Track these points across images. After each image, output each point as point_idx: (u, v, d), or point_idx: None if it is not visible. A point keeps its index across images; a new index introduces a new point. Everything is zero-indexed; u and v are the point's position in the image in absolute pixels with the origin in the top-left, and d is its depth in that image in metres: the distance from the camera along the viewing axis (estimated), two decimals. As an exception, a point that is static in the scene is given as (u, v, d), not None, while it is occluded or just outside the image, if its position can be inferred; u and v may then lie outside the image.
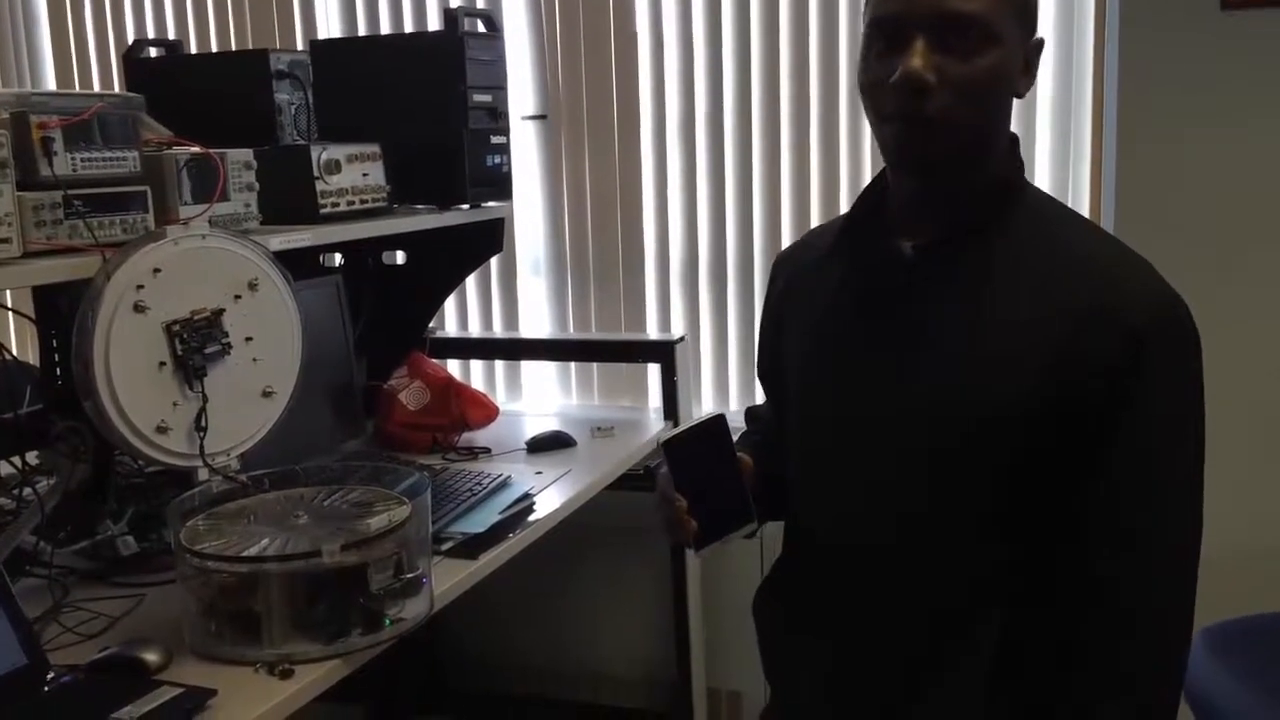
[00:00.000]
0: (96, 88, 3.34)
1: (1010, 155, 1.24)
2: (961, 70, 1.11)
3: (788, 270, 1.43)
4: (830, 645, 1.28)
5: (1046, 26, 2.59)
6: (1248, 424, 2.14)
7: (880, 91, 1.15)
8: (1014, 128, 2.51)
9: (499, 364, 3.04)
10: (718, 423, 1.28)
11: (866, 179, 2.73)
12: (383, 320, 2.59)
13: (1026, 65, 1.18)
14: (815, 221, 2.74)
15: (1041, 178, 2.64)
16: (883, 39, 1.14)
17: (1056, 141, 2.62)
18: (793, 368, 1.36)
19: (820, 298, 1.33)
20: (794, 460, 1.35)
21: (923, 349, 1.20)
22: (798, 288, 1.39)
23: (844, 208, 2.80)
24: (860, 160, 2.72)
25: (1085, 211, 2.50)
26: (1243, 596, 1.98)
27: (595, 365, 2.94)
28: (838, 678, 1.28)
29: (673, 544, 1.30)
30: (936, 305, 1.20)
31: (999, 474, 1.16)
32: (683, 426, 1.29)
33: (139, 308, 1.54)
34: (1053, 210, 1.26)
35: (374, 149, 2.16)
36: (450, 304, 2.97)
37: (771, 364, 1.44)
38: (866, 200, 1.30)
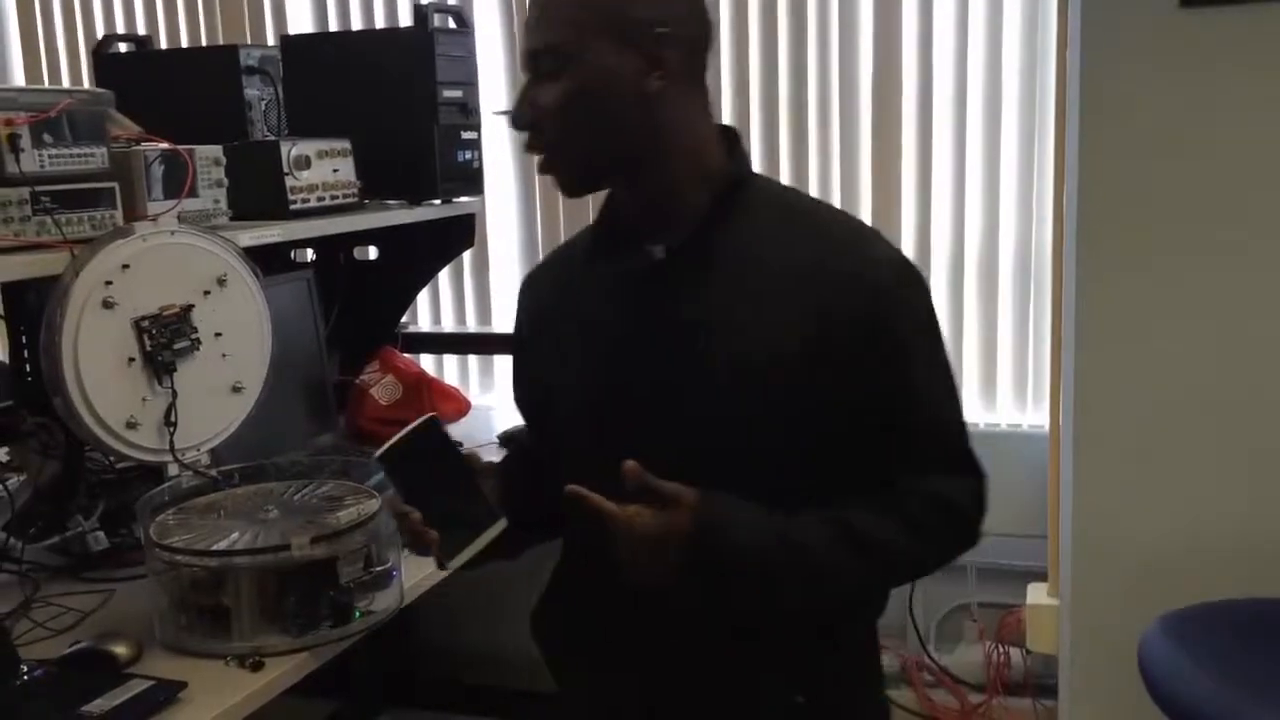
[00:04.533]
0: (65, 84, 3.33)
1: (729, 151, 1.26)
2: (545, 96, 1.19)
3: (536, 292, 1.41)
4: (616, 656, 1.27)
5: (1012, 27, 2.62)
6: (1205, 414, 2.17)
7: None
8: (979, 128, 2.54)
9: (471, 358, 3.04)
10: (431, 425, 1.23)
11: (860, 175, 2.78)
12: (354, 316, 2.60)
13: (655, 60, 1.18)
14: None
15: (1008, 177, 2.68)
16: None
17: (1022, 140, 2.65)
18: (561, 386, 1.31)
19: (581, 313, 1.31)
20: (567, 478, 1.27)
21: (687, 344, 1.21)
22: (553, 307, 1.36)
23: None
24: (855, 156, 2.76)
25: (1049, 209, 2.54)
26: (1201, 584, 2.02)
27: (567, 359, 2.95)
28: (630, 692, 1.28)
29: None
30: (695, 299, 1.21)
31: (775, 453, 1.19)
32: (395, 437, 1.22)
33: (107, 304, 1.55)
34: (787, 194, 1.32)
35: (344, 145, 2.17)
36: (423, 299, 2.98)
37: (530, 388, 1.41)
38: (609, 210, 1.31)
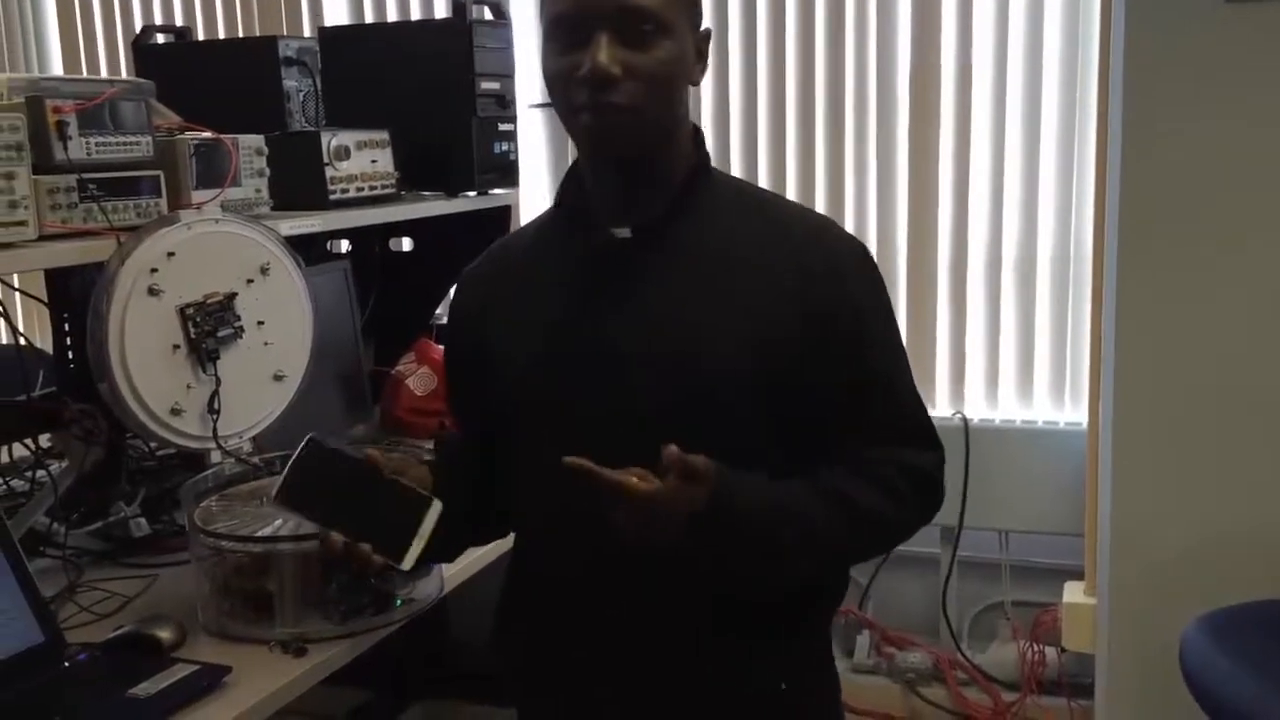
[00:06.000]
0: (104, 74, 3.35)
1: (696, 144, 1.29)
2: (643, 61, 1.17)
3: (482, 290, 1.37)
4: (591, 660, 1.28)
5: (1053, 23, 2.60)
6: (1245, 412, 2.15)
7: (569, 85, 1.18)
8: (1019, 126, 2.55)
9: (504, 351, 3.04)
10: (311, 445, 1.22)
11: (897, 173, 2.76)
12: (390, 306, 2.60)
13: (699, 54, 1.25)
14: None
15: (1046, 173, 2.66)
16: (564, 35, 1.18)
17: (1062, 137, 2.63)
18: (513, 380, 1.30)
19: (535, 295, 1.30)
20: (523, 476, 1.30)
21: (649, 324, 1.22)
22: (501, 301, 1.34)
23: (839, 205, 2.82)
24: (892, 153, 2.74)
25: (1089, 205, 2.52)
26: (1241, 583, 2.00)
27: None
28: (608, 695, 1.28)
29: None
30: (658, 280, 1.23)
31: (736, 435, 1.20)
32: (282, 474, 1.21)
33: (153, 291, 1.55)
34: (747, 189, 1.36)
35: (383, 136, 2.17)
36: (456, 291, 2.98)
37: (475, 393, 1.37)
38: (568, 195, 1.31)
